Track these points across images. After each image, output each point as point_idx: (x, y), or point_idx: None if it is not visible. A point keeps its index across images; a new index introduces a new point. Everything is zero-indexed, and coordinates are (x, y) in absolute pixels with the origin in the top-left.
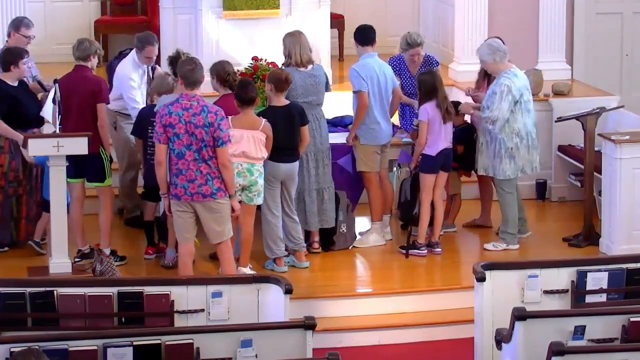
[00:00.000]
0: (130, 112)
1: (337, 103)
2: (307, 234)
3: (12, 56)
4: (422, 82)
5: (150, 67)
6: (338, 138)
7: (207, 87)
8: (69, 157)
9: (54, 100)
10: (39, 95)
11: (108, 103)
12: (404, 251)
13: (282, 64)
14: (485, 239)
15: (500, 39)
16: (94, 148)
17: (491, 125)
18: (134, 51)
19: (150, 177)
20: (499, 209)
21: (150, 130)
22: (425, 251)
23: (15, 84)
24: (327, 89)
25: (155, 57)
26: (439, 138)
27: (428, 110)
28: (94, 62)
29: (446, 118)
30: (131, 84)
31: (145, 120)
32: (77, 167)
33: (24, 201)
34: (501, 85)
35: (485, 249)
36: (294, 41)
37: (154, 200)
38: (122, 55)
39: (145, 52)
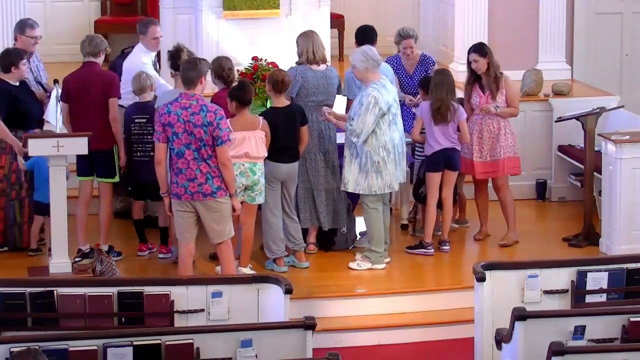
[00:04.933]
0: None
1: (337, 103)
2: (304, 235)
3: (12, 57)
4: (432, 78)
5: (156, 59)
6: (339, 139)
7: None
8: (81, 155)
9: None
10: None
11: (120, 98)
12: (410, 251)
13: (296, 62)
14: (485, 241)
15: (486, 44)
16: (108, 143)
17: (355, 138)
18: (139, 44)
19: (138, 175)
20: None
21: (133, 128)
22: (432, 250)
23: (17, 83)
24: (339, 91)
25: (160, 37)
26: (430, 138)
27: (423, 108)
28: (101, 59)
29: (436, 119)
30: (148, 66)
31: (129, 119)
32: (89, 163)
33: (26, 204)
34: (368, 96)
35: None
36: (306, 39)
37: (140, 199)
38: (125, 54)
39: (150, 33)
